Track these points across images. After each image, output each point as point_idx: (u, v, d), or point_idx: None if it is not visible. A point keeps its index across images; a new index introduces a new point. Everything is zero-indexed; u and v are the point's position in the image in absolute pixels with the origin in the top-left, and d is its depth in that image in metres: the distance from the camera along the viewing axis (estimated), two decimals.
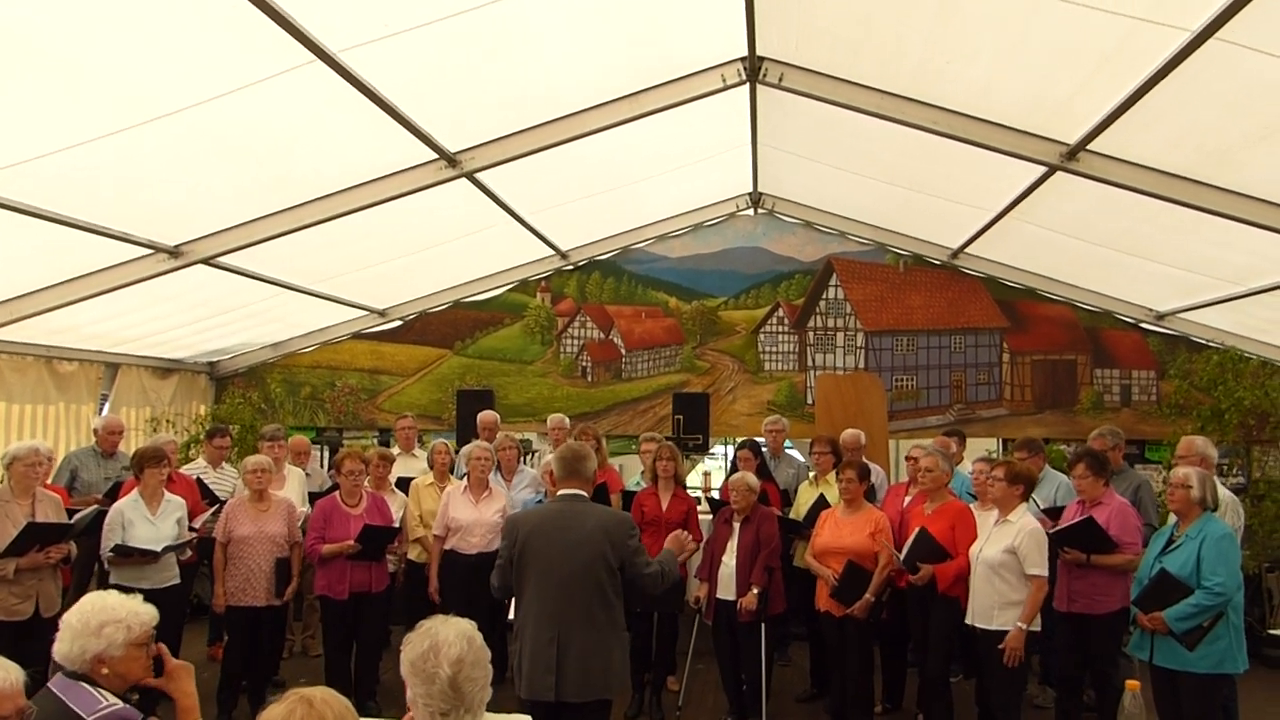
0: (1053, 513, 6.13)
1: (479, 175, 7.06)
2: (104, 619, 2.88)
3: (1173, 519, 5.14)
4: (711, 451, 10.55)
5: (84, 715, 2.72)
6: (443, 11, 4.83)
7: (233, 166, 6.11)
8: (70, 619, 2.89)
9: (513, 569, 4.41)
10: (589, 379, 10.96)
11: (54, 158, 5.14)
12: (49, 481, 6.53)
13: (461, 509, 6.71)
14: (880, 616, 6.02)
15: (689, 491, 7.53)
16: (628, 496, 7.12)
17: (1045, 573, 5.19)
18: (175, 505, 6.33)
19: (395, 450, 8.44)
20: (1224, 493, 5.55)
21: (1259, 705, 6.75)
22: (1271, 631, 8.19)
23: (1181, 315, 9.58)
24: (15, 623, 5.44)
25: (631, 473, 8.90)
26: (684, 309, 10.88)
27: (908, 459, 6.72)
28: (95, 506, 6.37)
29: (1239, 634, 4.86)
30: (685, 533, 4.88)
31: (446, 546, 6.72)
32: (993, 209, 8.07)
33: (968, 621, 5.43)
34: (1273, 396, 9.11)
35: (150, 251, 6.88)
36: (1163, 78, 4.92)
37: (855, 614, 5.89)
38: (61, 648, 2.85)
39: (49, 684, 2.82)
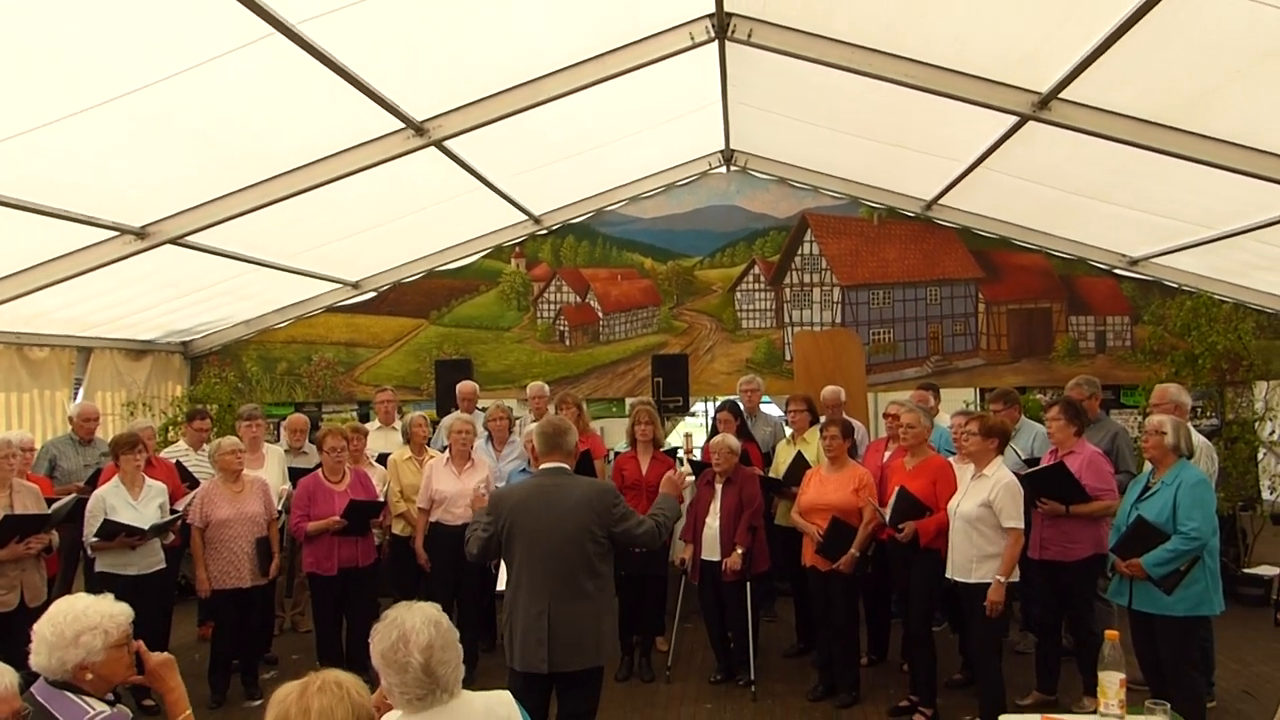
0: (1031, 464, 6.19)
1: (448, 143, 6.97)
2: (79, 628, 2.79)
3: (1149, 466, 5.20)
4: (693, 411, 10.57)
5: None
6: None
7: (196, 144, 6.00)
8: (43, 631, 2.78)
9: (500, 544, 4.46)
10: (567, 343, 10.93)
11: (12, 142, 5.04)
12: (29, 471, 6.48)
13: (445, 481, 6.70)
14: (866, 570, 6.09)
15: (673, 453, 7.58)
16: None
17: (1021, 525, 5.23)
18: (157, 490, 6.29)
19: (375, 424, 8.44)
20: (1198, 439, 5.63)
21: (1234, 644, 6.94)
22: (1247, 570, 8.35)
23: (1155, 260, 9.65)
24: (1, 614, 5.41)
25: (613, 435, 8.92)
26: (660, 270, 10.84)
27: (886, 416, 6.74)
28: (74, 495, 6.31)
29: (1215, 577, 4.95)
30: (675, 472, 5.00)
31: (432, 519, 6.72)
32: (966, 160, 8.07)
33: (947, 575, 5.49)
34: (1245, 340, 9.22)
35: (117, 233, 6.78)
36: (1132, 25, 4.91)
37: (841, 569, 5.95)
38: (39, 660, 2.77)
39: (31, 690, 2.75)
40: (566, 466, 4.55)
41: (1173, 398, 5.99)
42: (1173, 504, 4.91)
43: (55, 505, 5.96)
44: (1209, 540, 4.87)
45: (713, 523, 6.35)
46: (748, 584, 6.25)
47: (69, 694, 2.77)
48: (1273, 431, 9.37)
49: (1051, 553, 5.72)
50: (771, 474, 7.11)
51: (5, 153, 5.10)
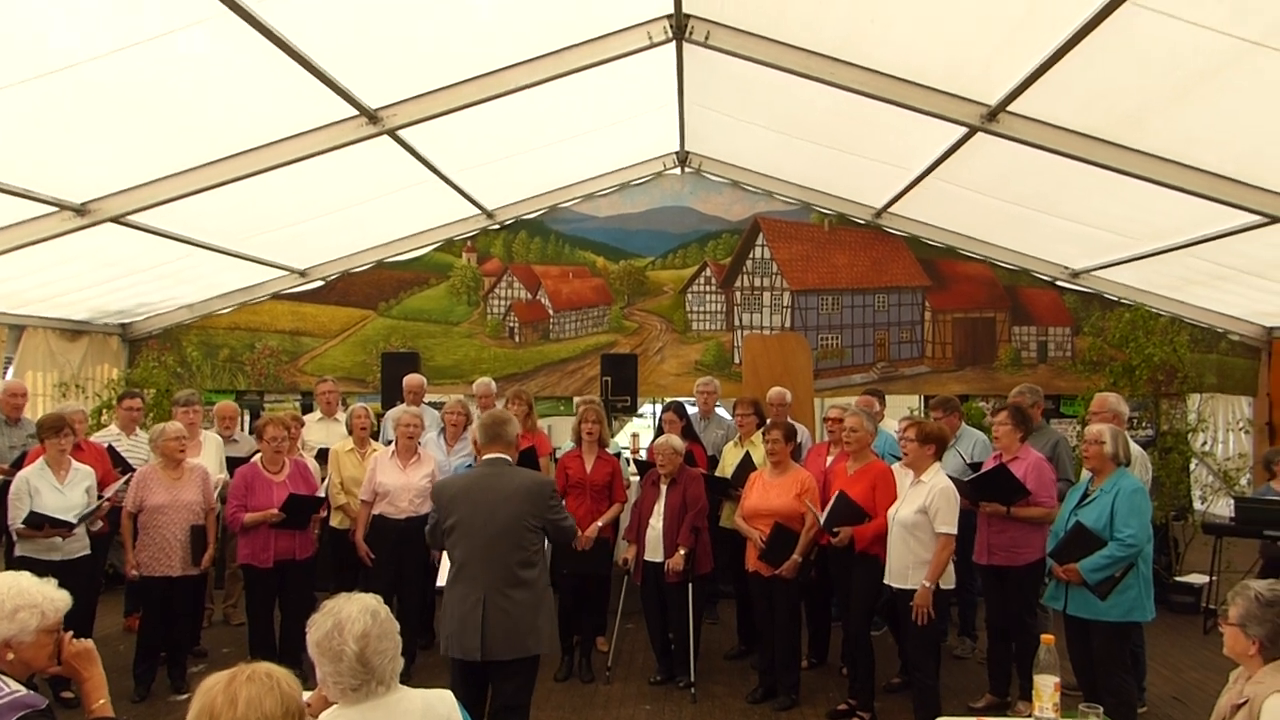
0: (975, 468, 6.29)
1: (401, 132, 6.90)
2: (19, 603, 2.73)
3: (1087, 474, 5.31)
4: (640, 412, 10.58)
5: None
6: None
7: (141, 122, 5.86)
8: None
9: (442, 534, 4.49)
10: (517, 340, 10.87)
11: None
12: None
13: (389, 474, 6.61)
14: (809, 575, 6.12)
15: (619, 453, 7.57)
16: None
17: (953, 530, 5.28)
18: (84, 474, 6.13)
19: (317, 415, 8.30)
20: (1134, 448, 5.76)
21: (1164, 649, 7.14)
22: (1178, 579, 8.55)
23: (1095, 273, 9.87)
24: None
25: (560, 433, 8.88)
26: (612, 269, 10.83)
27: (826, 420, 6.78)
28: (1, 477, 6.12)
29: (1148, 584, 5.08)
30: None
31: (375, 511, 6.64)
32: (915, 169, 8.18)
33: (885, 581, 5.54)
34: (1180, 353, 9.49)
35: (55, 209, 6.62)
36: (1078, 41, 5.02)
37: (783, 574, 5.98)
38: None
39: None
40: (507, 458, 4.60)
41: (1112, 407, 6.13)
42: (1110, 511, 5.01)
43: None
44: (1144, 547, 5.00)
45: (656, 523, 6.34)
46: (690, 585, 6.26)
47: None
48: (1205, 443, 9.68)
49: (999, 558, 5.81)
50: (718, 475, 7.12)
51: None
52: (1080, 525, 5.12)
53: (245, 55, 5.23)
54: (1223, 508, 9.14)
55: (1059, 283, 10.41)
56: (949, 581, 5.43)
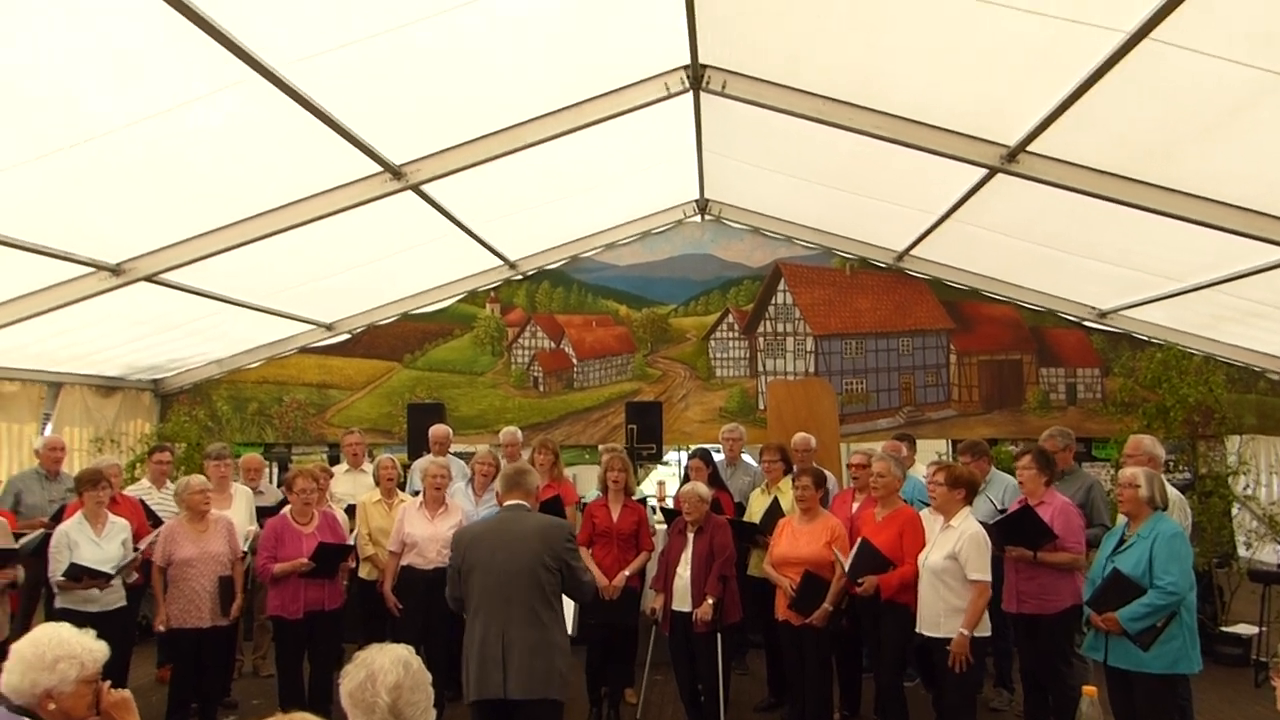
0: (1004, 514, 6.18)
1: (425, 187, 7.00)
2: (59, 653, 2.81)
3: (1123, 519, 5.19)
4: (666, 460, 10.55)
5: None
6: (384, 25, 4.80)
7: (174, 183, 6.01)
8: (23, 650, 2.81)
9: (460, 578, 4.56)
10: (541, 389, 10.90)
11: None
12: None
13: (417, 524, 6.63)
14: (840, 625, 6.02)
15: (645, 501, 7.54)
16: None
17: (987, 577, 5.18)
18: (120, 527, 6.21)
19: (344, 466, 8.34)
20: (1172, 492, 5.61)
21: (1213, 704, 6.81)
22: (1225, 629, 8.23)
23: (1124, 313, 9.75)
24: None
25: (586, 482, 8.86)
26: (634, 317, 10.87)
27: (850, 465, 6.69)
28: (41, 530, 6.23)
29: (1193, 634, 4.88)
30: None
31: (403, 562, 6.64)
32: (936, 211, 8.17)
33: (917, 629, 5.43)
34: (1216, 393, 9.29)
35: (93, 270, 6.77)
36: (1099, 79, 5.00)
37: (814, 624, 5.89)
38: (11, 680, 2.78)
39: None
40: (526, 504, 4.68)
41: (1147, 449, 5.97)
42: (1149, 557, 4.87)
43: (23, 541, 5.90)
44: (1186, 595, 4.82)
45: (684, 572, 6.28)
46: (719, 635, 6.17)
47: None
48: (1247, 486, 9.34)
49: (1029, 606, 5.67)
50: (745, 521, 7.06)
51: None
52: (1118, 572, 4.98)
53: (272, 116, 5.35)
54: (1270, 554, 8.83)
55: (1086, 323, 10.31)
56: (985, 629, 5.30)
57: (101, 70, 4.55)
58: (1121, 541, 5.11)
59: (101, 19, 4.18)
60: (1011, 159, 6.29)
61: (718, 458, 7.75)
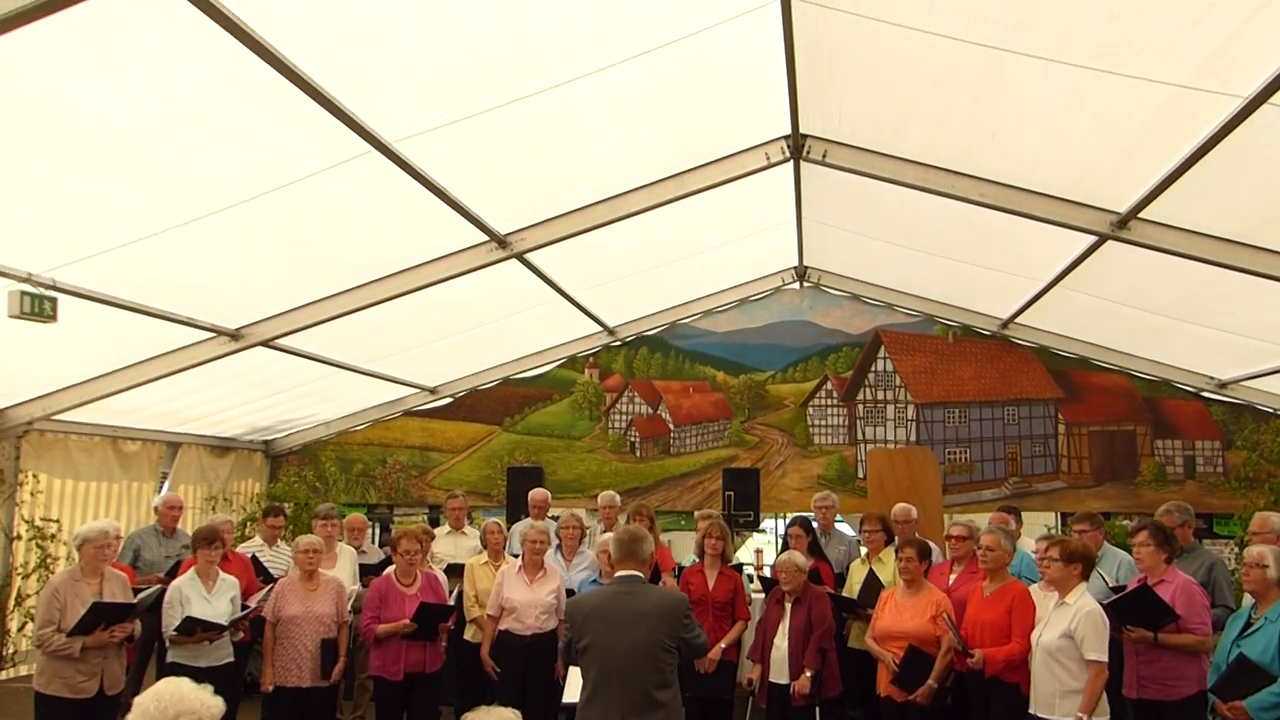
0: (1118, 591, 5.91)
1: (528, 255, 7.20)
2: (180, 709, 2.86)
3: (1249, 600, 4.92)
4: (762, 527, 10.42)
5: None
6: (493, 102, 5.00)
7: (293, 252, 6.33)
8: (146, 704, 2.87)
9: (575, 652, 4.46)
10: (637, 454, 10.94)
11: (127, 249, 5.38)
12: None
13: (516, 589, 6.65)
14: (945, 702, 5.81)
15: (741, 568, 7.44)
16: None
17: (1104, 658, 4.93)
18: (229, 584, 6.37)
19: (445, 528, 8.47)
20: None
21: None
22: None
23: (1245, 383, 9.35)
24: (80, 700, 5.47)
25: (681, 548, 8.81)
26: (731, 383, 10.86)
27: (949, 537, 6.49)
28: (158, 586, 6.45)
29: None
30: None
31: (501, 627, 6.66)
32: (1043, 279, 8.01)
33: (1030, 710, 5.19)
34: None
35: (213, 335, 7.11)
36: (1215, 144, 4.90)
37: (918, 700, 5.70)
38: None
39: None
40: (640, 575, 4.53)
41: (1275, 527, 5.69)
42: (1278, 642, 4.60)
43: (141, 595, 6.08)
44: None
45: (781, 643, 6.15)
46: (817, 710, 6.02)
47: None
48: None
49: (1150, 691, 5.36)
50: (845, 594, 6.91)
51: (119, 258, 5.45)
52: (1244, 658, 4.70)
53: (386, 188, 5.61)
54: None
55: (1205, 393, 9.90)
56: (1103, 713, 5.04)
57: (230, 147, 4.85)
58: (1248, 624, 4.84)
59: (235, 99, 4.47)
60: (1123, 225, 6.15)
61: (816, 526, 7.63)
